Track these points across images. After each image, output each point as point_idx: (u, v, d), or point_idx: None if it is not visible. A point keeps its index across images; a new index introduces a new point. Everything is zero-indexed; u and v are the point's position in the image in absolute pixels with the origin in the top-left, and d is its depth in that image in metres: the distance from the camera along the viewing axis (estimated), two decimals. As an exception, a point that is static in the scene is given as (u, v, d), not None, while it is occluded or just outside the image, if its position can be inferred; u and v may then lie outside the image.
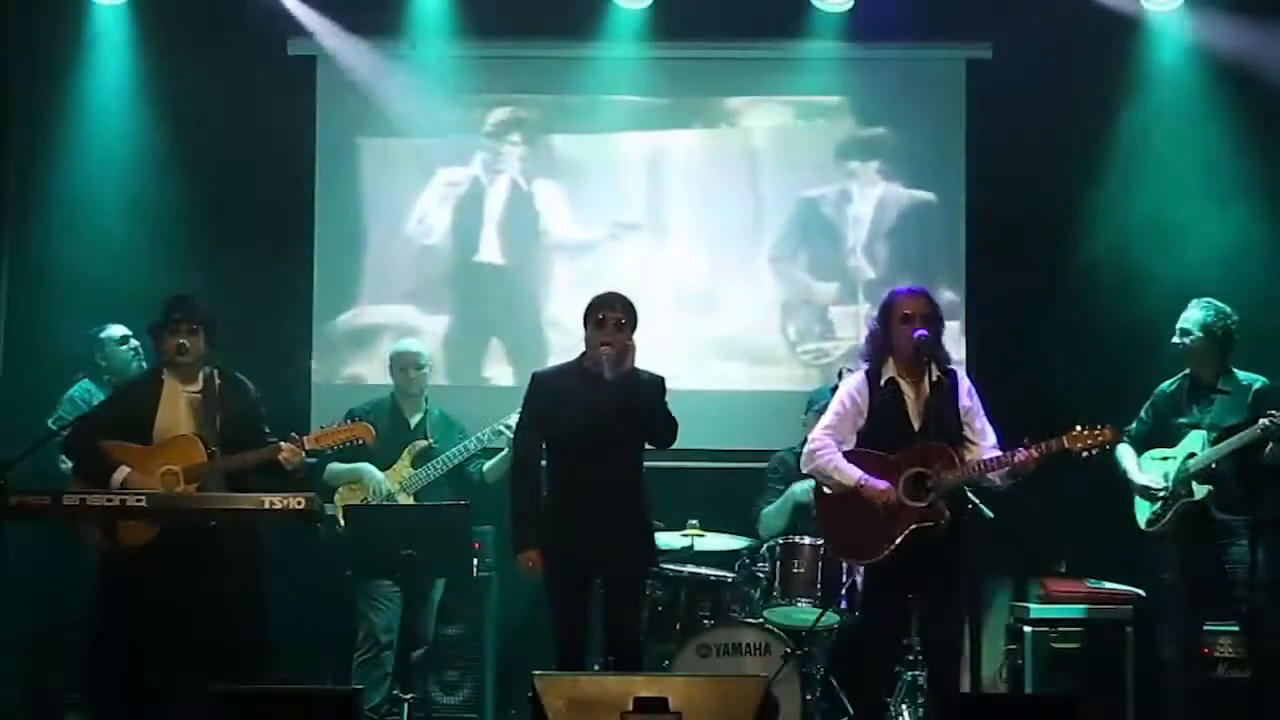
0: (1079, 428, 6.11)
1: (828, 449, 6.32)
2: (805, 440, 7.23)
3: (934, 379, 6.21)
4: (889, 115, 8.51)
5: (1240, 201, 7.91)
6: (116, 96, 8.31)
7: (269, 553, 6.68)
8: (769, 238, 8.48)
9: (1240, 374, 6.91)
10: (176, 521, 6.26)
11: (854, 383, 6.44)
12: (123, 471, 6.39)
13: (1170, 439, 6.90)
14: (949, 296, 8.23)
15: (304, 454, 6.57)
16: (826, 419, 6.43)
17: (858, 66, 8.46)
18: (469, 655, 7.72)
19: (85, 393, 7.45)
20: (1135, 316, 7.59)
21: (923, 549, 6.10)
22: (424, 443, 7.55)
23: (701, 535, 7.36)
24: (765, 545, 7.21)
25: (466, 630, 7.72)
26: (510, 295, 8.49)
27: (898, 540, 6.14)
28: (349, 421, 7.01)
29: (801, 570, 7.01)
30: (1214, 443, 6.75)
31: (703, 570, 7.24)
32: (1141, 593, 7.33)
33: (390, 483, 7.46)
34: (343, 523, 7.15)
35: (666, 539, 7.13)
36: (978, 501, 6.52)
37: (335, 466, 7.41)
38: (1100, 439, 6.12)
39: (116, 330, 7.57)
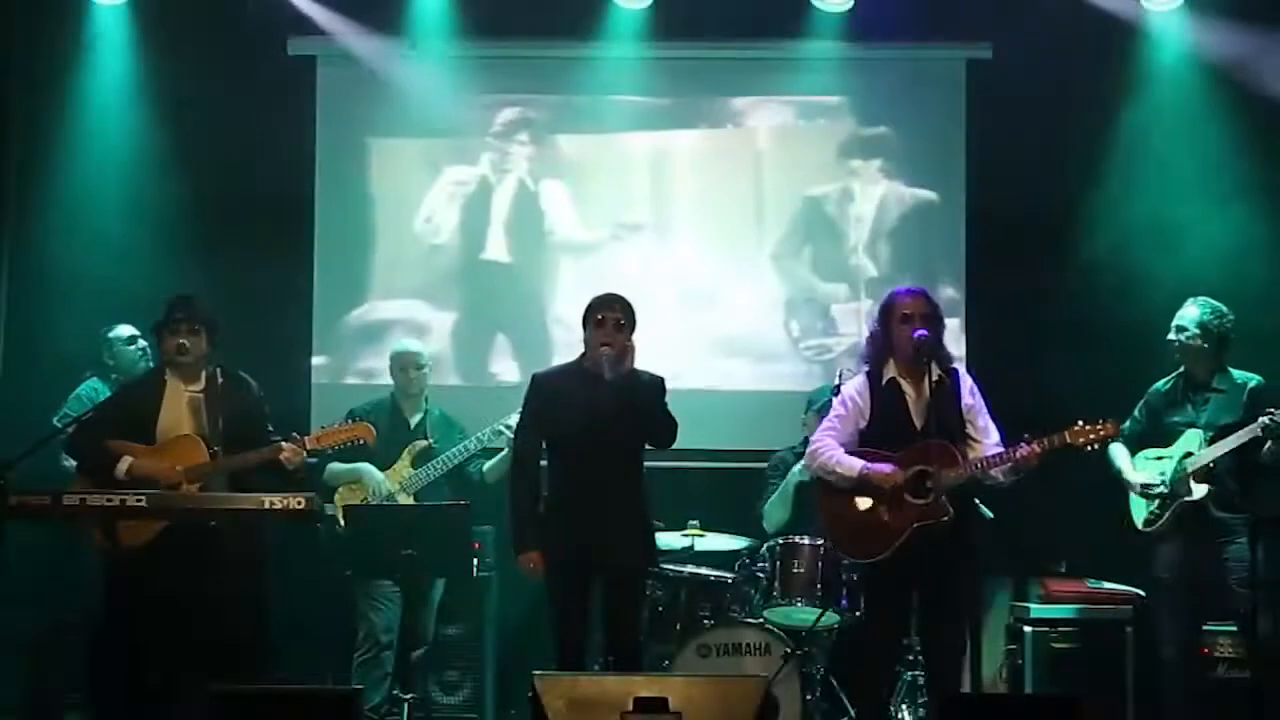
0: (1080, 422, 6.11)
1: (828, 447, 6.32)
2: (805, 440, 7.29)
3: (935, 378, 6.21)
4: (890, 115, 8.53)
5: (1240, 201, 7.92)
6: (116, 96, 8.32)
7: (269, 553, 6.68)
8: (772, 236, 8.51)
9: (1235, 372, 6.91)
10: (177, 522, 6.25)
11: (855, 384, 6.44)
12: (126, 461, 6.40)
13: (1165, 438, 6.90)
14: (949, 294, 8.28)
15: (305, 454, 6.57)
16: (828, 421, 6.44)
17: (858, 66, 8.48)
18: (469, 655, 7.73)
19: (93, 391, 7.47)
20: (1134, 315, 7.59)
21: (925, 548, 6.10)
22: (424, 443, 7.56)
23: (701, 535, 7.37)
24: (765, 545, 7.21)
25: (466, 630, 7.73)
26: (516, 293, 8.51)
27: (901, 539, 6.14)
28: (349, 421, 7.01)
29: (801, 570, 7.01)
30: (1211, 441, 6.74)
31: (703, 570, 7.24)
32: (1141, 593, 7.32)
33: (390, 483, 7.46)
34: (343, 523, 7.15)
35: (666, 539, 7.13)
36: (978, 502, 6.51)
37: (335, 466, 7.41)
38: (1103, 433, 6.12)
39: (125, 330, 7.59)
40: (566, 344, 6.59)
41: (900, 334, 6.27)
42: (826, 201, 8.51)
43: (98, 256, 8.05)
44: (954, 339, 7.45)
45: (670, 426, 6.38)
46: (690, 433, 6.52)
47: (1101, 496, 7.04)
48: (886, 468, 6.17)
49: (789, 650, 6.78)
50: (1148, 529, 6.84)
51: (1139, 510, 6.87)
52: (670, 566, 7.18)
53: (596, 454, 6.27)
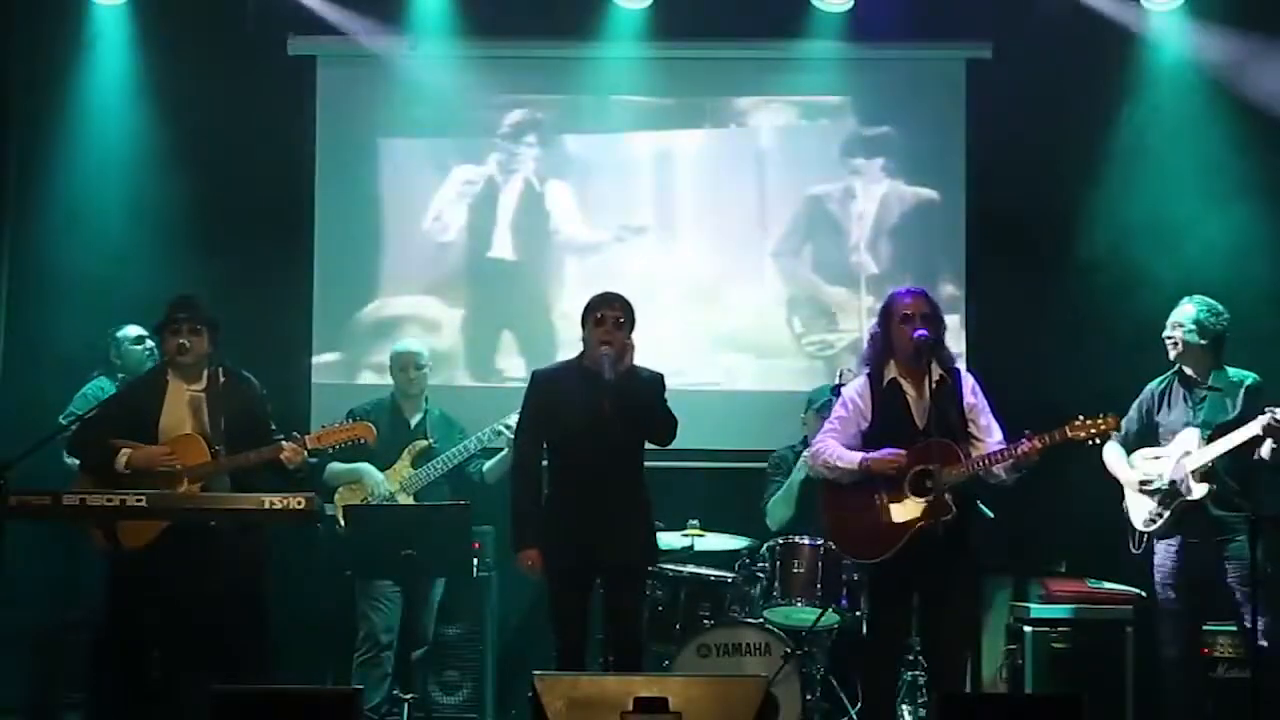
0: (1081, 417, 6.11)
1: (829, 445, 6.33)
2: (805, 439, 7.30)
3: (936, 378, 6.21)
4: (891, 115, 8.55)
5: (1239, 200, 7.91)
6: (116, 96, 8.32)
7: (269, 553, 6.68)
8: (774, 234, 8.54)
9: (1230, 370, 6.89)
10: (177, 522, 6.25)
11: (856, 385, 6.44)
12: (125, 454, 6.39)
13: (1162, 437, 6.89)
14: (949, 291, 8.33)
15: (305, 453, 6.57)
16: (829, 423, 6.45)
17: (859, 66, 8.50)
18: (469, 655, 7.72)
19: (99, 390, 7.47)
20: (1133, 314, 7.58)
21: (926, 548, 6.10)
22: (424, 443, 7.56)
23: (701, 535, 7.38)
24: (765, 545, 7.22)
25: (466, 630, 7.72)
26: (522, 290, 8.52)
27: (903, 539, 6.14)
28: (349, 421, 7.01)
29: (801, 570, 7.02)
30: (1209, 440, 6.74)
31: (703, 570, 7.24)
32: (1142, 593, 7.32)
33: (390, 483, 7.46)
34: (343, 523, 7.15)
35: (666, 539, 7.13)
36: (979, 501, 6.51)
37: (335, 466, 7.42)
38: (1103, 427, 6.12)
39: (132, 330, 7.61)
40: (572, 340, 6.60)
41: (900, 334, 6.27)
42: (828, 200, 8.54)
43: (98, 256, 8.05)
44: (954, 336, 7.46)
45: (670, 423, 6.38)
46: (690, 432, 6.53)
47: (1101, 496, 7.04)
48: (889, 452, 6.17)
49: (789, 650, 6.78)
50: (1147, 530, 6.84)
51: (1138, 510, 6.86)
52: (670, 566, 7.19)
53: (596, 452, 6.27)
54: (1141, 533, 6.86)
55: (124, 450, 6.41)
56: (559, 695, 5.24)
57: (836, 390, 6.88)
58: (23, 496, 5.96)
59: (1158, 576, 6.91)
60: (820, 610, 6.88)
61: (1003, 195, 8.30)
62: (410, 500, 7.45)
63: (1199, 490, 6.72)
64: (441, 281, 8.51)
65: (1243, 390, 6.83)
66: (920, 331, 6.22)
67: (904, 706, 6.94)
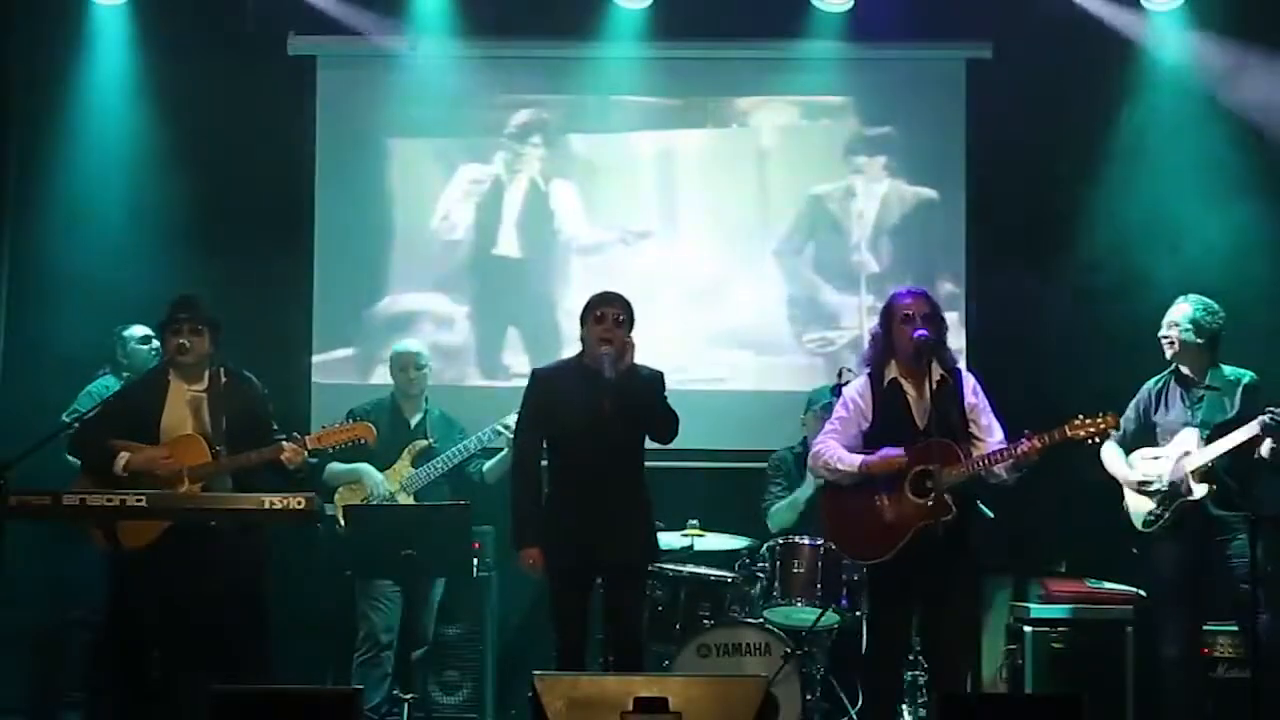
0: (1081, 416, 6.11)
1: (830, 447, 6.33)
2: (804, 440, 7.30)
3: (937, 379, 6.21)
4: (892, 114, 8.57)
5: (1239, 200, 7.91)
6: (116, 96, 8.32)
7: (269, 553, 6.68)
8: (776, 233, 8.56)
9: (1227, 369, 6.89)
10: (177, 522, 6.25)
11: (857, 386, 6.44)
12: (124, 457, 6.39)
13: (1160, 437, 6.89)
14: (949, 288, 8.35)
15: (306, 454, 6.57)
16: (830, 424, 6.44)
17: (860, 66, 8.52)
18: (469, 655, 7.72)
19: (104, 389, 7.45)
20: (1133, 313, 7.57)
21: (926, 548, 6.10)
22: (424, 442, 7.56)
23: (701, 535, 7.38)
24: (765, 545, 7.22)
25: (466, 630, 7.72)
26: (528, 288, 8.54)
27: (904, 540, 6.14)
28: (350, 422, 7.02)
29: (801, 570, 7.02)
30: (1208, 440, 6.74)
31: (703, 570, 7.24)
32: (1141, 593, 7.32)
33: (390, 483, 7.47)
34: (343, 523, 7.15)
35: (666, 539, 7.13)
36: (979, 501, 6.51)
37: (335, 466, 7.42)
38: (1103, 426, 6.12)
39: (139, 330, 7.60)
40: (576, 337, 6.59)
41: (901, 334, 6.27)
42: (829, 199, 8.57)
43: (98, 256, 8.05)
44: (953, 335, 7.45)
45: (671, 421, 6.37)
46: (691, 432, 6.52)
47: (1101, 496, 7.04)
48: (888, 453, 6.17)
49: (789, 650, 6.78)
50: (1147, 530, 6.83)
51: (1138, 511, 6.86)
52: (670, 566, 7.19)
53: (597, 451, 6.26)
54: (1141, 533, 6.86)
55: (122, 453, 6.41)
56: (559, 695, 5.24)
57: (836, 390, 6.88)
58: (23, 496, 5.96)
59: (1157, 576, 6.91)
60: (820, 610, 6.88)
61: (1003, 195, 8.33)
62: (410, 500, 7.45)
63: (1199, 490, 6.71)
64: (448, 279, 8.53)
65: (1240, 389, 6.83)
66: (920, 331, 6.21)
67: (904, 706, 6.93)
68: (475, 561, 7.38)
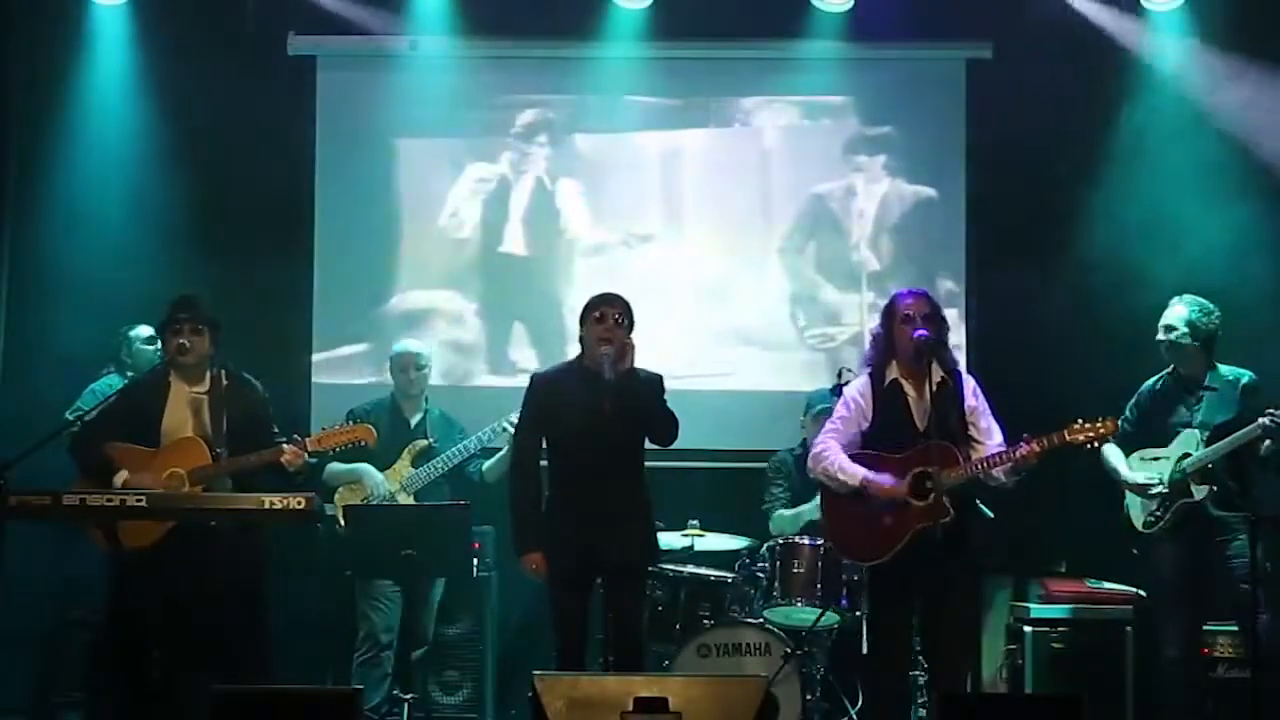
0: (1080, 420, 6.10)
1: (832, 451, 6.31)
2: (804, 442, 7.30)
3: (938, 380, 6.21)
4: (892, 114, 8.58)
5: (1238, 201, 7.92)
6: (116, 96, 8.32)
7: (269, 553, 6.68)
8: (778, 232, 8.59)
9: (1224, 369, 6.89)
10: (178, 523, 6.26)
11: (857, 385, 6.44)
12: (122, 475, 6.39)
13: (1158, 438, 6.88)
14: (948, 286, 8.38)
15: (306, 456, 6.56)
16: (831, 423, 6.43)
17: (860, 67, 8.53)
18: (469, 655, 7.72)
19: (108, 387, 7.42)
20: (1132, 313, 7.57)
21: (925, 549, 6.10)
22: (424, 442, 7.56)
23: (701, 535, 7.38)
24: (765, 545, 7.22)
25: (466, 630, 7.72)
26: (534, 286, 8.56)
27: (902, 542, 6.14)
28: (350, 423, 7.02)
29: (801, 570, 7.02)
30: (1208, 441, 6.74)
31: (703, 570, 7.25)
32: (1141, 593, 7.32)
33: (390, 483, 7.47)
34: (343, 523, 7.15)
35: (666, 539, 7.13)
36: (978, 502, 6.51)
37: (335, 466, 7.42)
38: (1102, 430, 6.11)
39: (144, 330, 7.59)
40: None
41: (901, 334, 6.27)
42: (830, 199, 8.60)
43: (98, 256, 8.05)
44: (953, 331, 7.44)
45: (671, 423, 6.37)
46: (691, 433, 6.52)
47: (1101, 496, 7.04)
48: (887, 480, 6.16)
49: (789, 650, 6.78)
50: (1147, 530, 6.83)
51: (1138, 512, 6.86)
52: (670, 566, 7.19)
53: (597, 452, 6.25)
54: (1141, 533, 6.86)
55: (120, 472, 6.40)
56: (559, 695, 5.24)
57: (836, 391, 6.88)
58: (23, 496, 5.95)
59: (1157, 577, 6.91)
60: (820, 610, 6.88)
61: (1002, 194, 8.34)
62: (410, 500, 7.45)
63: (1199, 491, 6.71)
64: (456, 276, 8.55)
65: (1239, 389, 6.83)
66: (921, 332, 6.21)
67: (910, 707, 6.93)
68: (475, 561, 7.38)
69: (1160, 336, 6.92)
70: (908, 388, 6.30)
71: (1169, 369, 6.96)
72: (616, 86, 8.50)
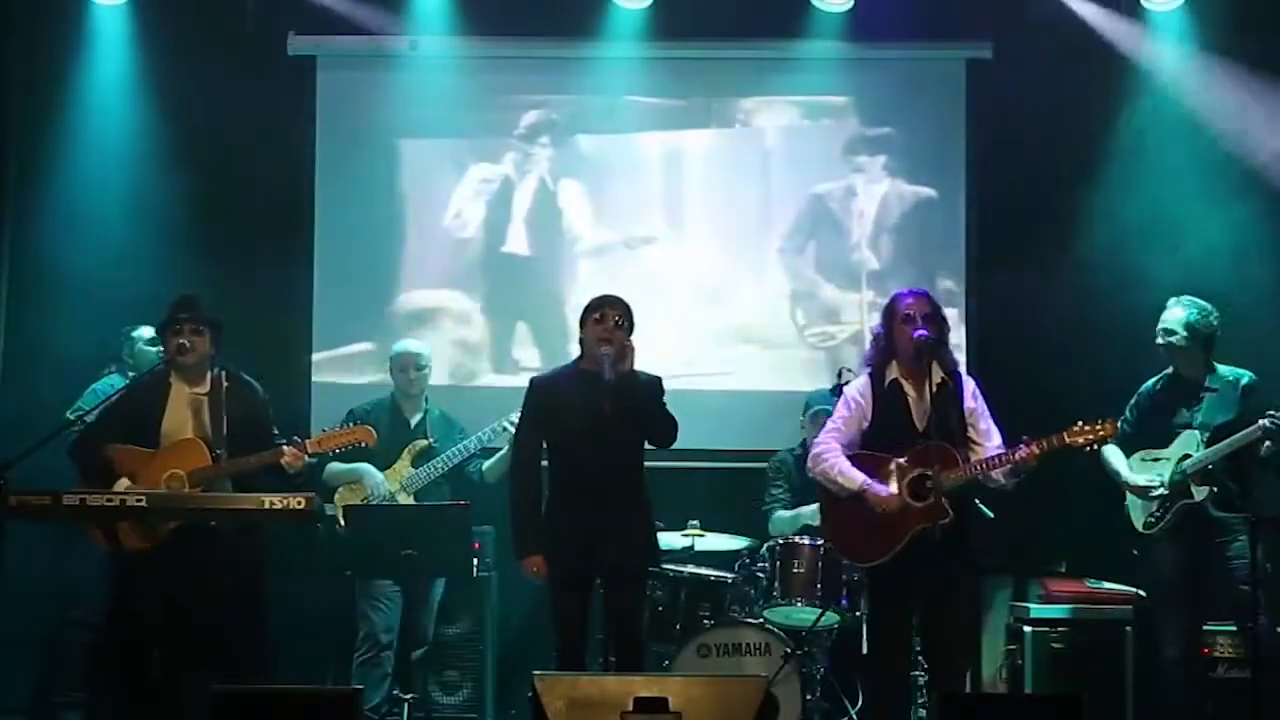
0: (1080, 423, 6.10)
1: (832, 452, 6.31)
2: (804, 442, 7.30)
3: (938, 381, 6.21)
4: (892, 115, 8.59)
5: (1238, 201, 7.92)
6: (116, 96, 8.32)
7: (269, 553, 6.68)
8: (779, 232, 8.60)
9: (1224, 369, 6.89)
10: (178, 524, 6.25)
11: (858, 385, 6.44)
12: (122, 484, 6.38)
13: (1158, 439, 6.88)
14: (948, 285, 8.39)
15: (306, 458, 6.56)
16: (831, 422, 6.43)
17: (861, 67, 8.54)
18: (469, 655, 7.72)
19: (109, 387, 7.40)
20: (1132, 312, 7.58)
21: (925, 549, 6.10)
22: (424, 442, 7.56)
23: (701, 535, 7.38)
24: (765, 545, 7.22)
25: (466, 630, 7.72)
26: (538, 284, 8.57)
27: (902, 543, 6.13)
28: (350, 425, 7.03)
29: (801, 570, 7.02)
30: (1209, 442, 6.73)
31: (703, 570, 7.24)
32: (1141, 593, 7.32)
33: (390, 482, 7.47)
34: (343, 523, 7.15)
35: (667, 539, 7.12)
36: (978, 502, 6.51)
37: (335, 466, 7.41)
38: (1101, 433, 6.11)
39: (147, 331, 7.58)
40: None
41: (902, 334, 6.27)
42: (830, 199, 8.61)
43: (98, 256, 8.05)
44: (953, 330, 7.46)
45: (670, 425, 6.36)
46: (691, 433, 6.52)
47: (1101, 496, 7.04)
48: (885, 491, 6.16)
49: (789, 650, 6.78)
50: (1147, 531, 6.83)
51: (1138, 513, 6.86)
52: (670, 566, 7.18)
53: (597, 453, 6.25)
54: (1142, 534, 6.86)
55: (121, 481, 6.39)
56: (559, 695, 5.24)
57: (836, 391, 6.88)
58: (23, 496, 5.96)
59: (1158, 578, 6.91)
60: (820, 610, 6.88)
61: (1002, 195, 8.33)
62: (410, 500, 7.45)
63: (1199, 492, 6.71)
64: (460, 275, 8.55)
65: (1239, 390, 6.83)
66: (921, 332, 6.21)
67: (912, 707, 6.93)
68: (475, 561, 7.37)
69: (1160, 340, 6.92)
70: (908, 388, 6.30)
71: (1168, 370, 6.95)
72: (617, 87, 8.51)
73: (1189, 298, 6.91)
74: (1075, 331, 8.12)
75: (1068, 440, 6.09)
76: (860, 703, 7.04)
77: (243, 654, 6.37)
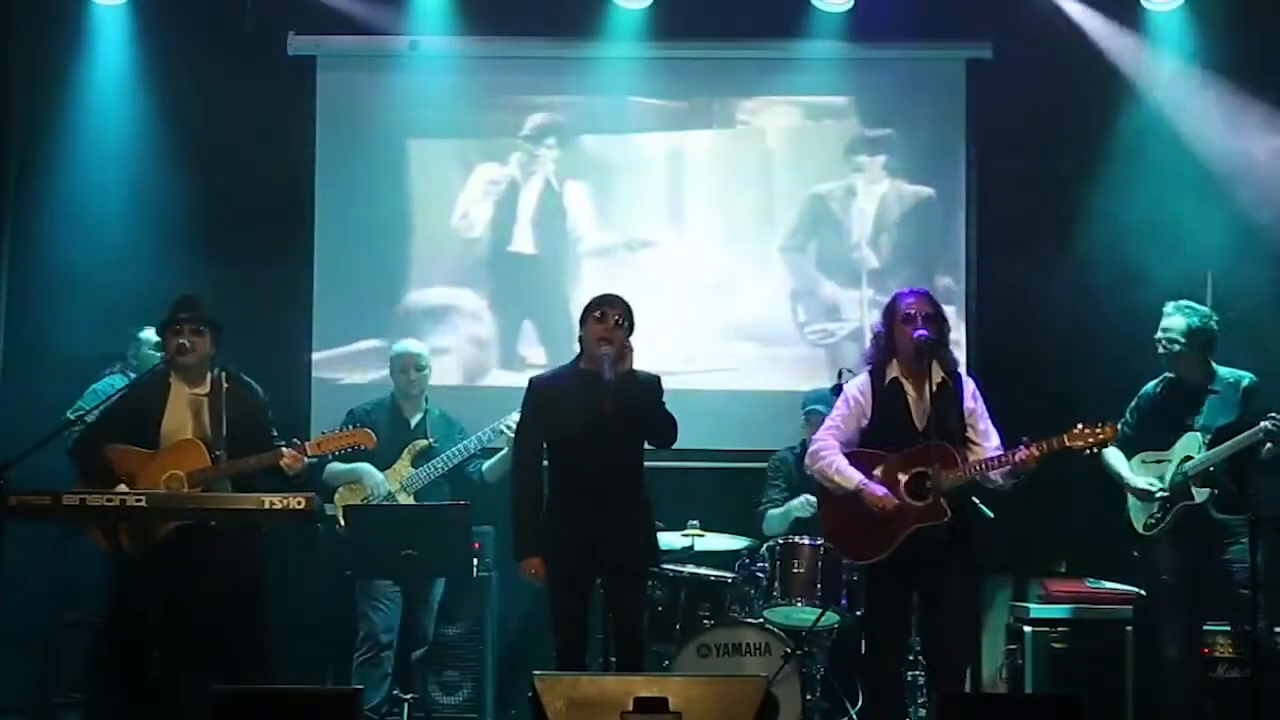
0: (1080, 425, 6.10)
1: (830, 450, 6.31)
2: (803, 442, 7.30)
3: (938, 381, 6.21)
4: (892, 115, 8.61)
5: (1239, 199, 7.92)
6: (116, 96, 8.32)
7: (269, 553, 6.68)
8: (780, 231, 8.62)
9: (1223, 371, 6.89)
10: (178, 524, 6.25)
11: (858, 383, 6.44)
12: (121, 489, 6.38)
13: (1159, 441, 6.88)
14: (947, 283, 8.41)
15: (306, 459, 6.56)
16: (830, 420, 6.44)
17: (861, 67, 8.55)
18: (469, 655, 7.71)
19: (109, 387, 7.39)
20: (1132, 312, 7.57)
21: (924, 549, 6.10)
22: (424, 442, 7.56)
23: (701, 535, 7.38)
24: (765, 545, 7.22)
25: (466, 630, 7.71)
26: (543, 283, 8.58)
27: (898, 541, 6.14)
28: (350, 426, 7.03)
29: (801, 570, 7.02)
30: (1210, 444, 6.73)
31: (703, 570, 7.25)
32: (1142, 593, 7.32)
33: (390, 483, 7.47)
34: (343, 523, 7.15)
35: (666, 539, 7.13)
36: (978, 502, 6.51)
37: (335, 466, 7.41)
38: (1101, 436, 6.11)
39: (153, 335, 7.56)
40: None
41: (902, 334, 6.27)
42: (831, 198, 8.63)
43: (98, 256, 8.04)
44: (953, 324, 7.46)
45: (670, 425, 6.36)
46: (691, 433, 6.51)
47: (1101, 497, 7.04)
48: (881, 490, 6.16)
49: (789, 650, 6.78)
50: (1148, 533, 6.83)
51: (1139, 514, 6.86)
52: (670, 566, 7.19)
53: (597, 453, 6.23)
54: (1142, 536, 6.86)
55: (121, 486, 6.38)
56: (559, 695, 5.24)
57: (836, 391, 6.88)
58: (23, 496, 5.96)
59: (1158, 579, 6.90)
60: (820, 610, 6.88)
61: (1002, 194, 8.34)
62: (410, 500, 7.45)
63: (1200, 494, 6.71)
64: (467, 274, 8.56)
65: (1240, 391, 6.83)
66: (921, 331, 6.21)
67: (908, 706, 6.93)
68: (475, 561, 7.37)
69: (1160, 348, 6.92)
70: (908, 387, 6.30)
71: (1166, 372, 6.95)
72: (619, 88, 8.53)
73: (1186, 302, 6.90)
74: (1075, 331, 8.12)
75: (1068, 443, 6.09)
76: (860, 703, 7.04)
77: (243, 654, 6.36)
